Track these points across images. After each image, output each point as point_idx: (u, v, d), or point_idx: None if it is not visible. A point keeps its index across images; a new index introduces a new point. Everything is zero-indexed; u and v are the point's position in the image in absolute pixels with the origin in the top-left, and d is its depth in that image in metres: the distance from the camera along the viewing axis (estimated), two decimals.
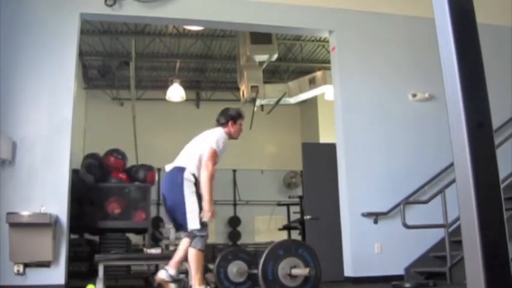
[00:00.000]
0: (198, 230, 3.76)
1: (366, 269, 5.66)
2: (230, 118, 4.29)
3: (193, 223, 3.76)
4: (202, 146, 4.04)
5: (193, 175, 3.92)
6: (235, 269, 4.54)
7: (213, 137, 4.07)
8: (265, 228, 12.08)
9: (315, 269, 3.43)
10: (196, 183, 3.91)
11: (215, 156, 3.99)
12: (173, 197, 3.91)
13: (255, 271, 4.14)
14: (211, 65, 11.33)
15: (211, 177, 3.96)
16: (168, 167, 4.07)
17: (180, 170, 3.92)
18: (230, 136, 4.28)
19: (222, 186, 12.17)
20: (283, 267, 3.39)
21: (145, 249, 5.39)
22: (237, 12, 6.19)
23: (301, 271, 3.36)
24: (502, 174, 1.93)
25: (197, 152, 4.02)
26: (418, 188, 5.89)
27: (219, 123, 4.29)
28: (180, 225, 3.96)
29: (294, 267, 3.40)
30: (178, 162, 4.04)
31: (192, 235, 3.81)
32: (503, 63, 6.20)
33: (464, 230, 0.88)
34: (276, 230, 9.24)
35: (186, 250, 3.86)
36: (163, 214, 11.50)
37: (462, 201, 0.88)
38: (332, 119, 6.36)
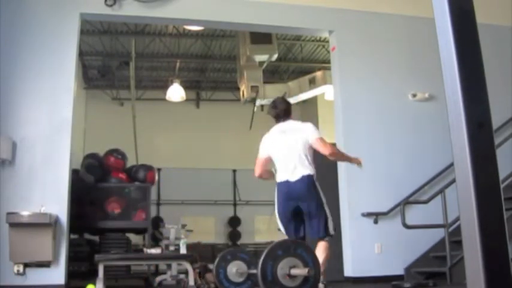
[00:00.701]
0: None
1: (366, 269, 5.66)
2: (290, 106, 4.45)
3: (331, 228, 3.94)
4: (299, 146, 4.04)
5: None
6: (235, 269, 4.53)
7: (309, 128, 4.14)
8: (265, 228, 12.08)
9: (314, 268, 3.42)
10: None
11: (325, 142, 4.10)
12: (312, 205, 3.94)
13: (254, 271, 4.14)
14: (211, 65, 11.33)
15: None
16: (293, 177, 4.00)
17: (309, 177, 3.98)
18: None
19: (222, 186, 12.20)
20: (282, 268, 3.38)
21: (145, 249, 5.39)
22: (237, 12, 6.19)
23: (301, 271, 3.36)
24: (502, 174, 1.93)
25: (302, 155, 4.02)
26: (418, 188, 5.89)
27: (288, 114, 4.35)
28: (314, 231, 3.96)
29: (293, 267, 3.40)
30: (300, 171, 4.00)
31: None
32: (503, 63, 6.19)
33: (464, 230, 0.88)
34: (276, 230, 9.23)
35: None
36: (160, 215, 11.50)
37: (462, 201, 0.88)
38: (332, 119, 6.36)
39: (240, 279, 4.55)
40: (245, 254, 4.74)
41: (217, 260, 4.58)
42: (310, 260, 3.46)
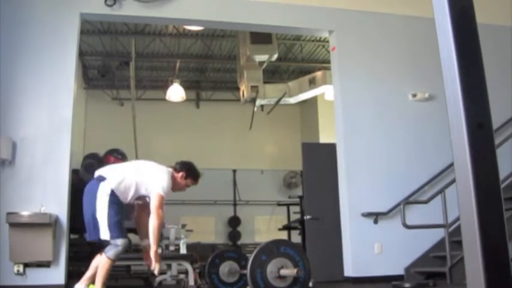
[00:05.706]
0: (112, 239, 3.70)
1: (366, 269, 5.65)
2: (186, 170, 4.19)
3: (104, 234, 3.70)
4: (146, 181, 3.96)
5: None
6: (227, 270, 4.54)
7: (159, 181, 3.95)
8: (265, 228, 12.08)
9: (303, 263, 3.42)
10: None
11: (162, 201, 3.90)
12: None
13: (245, 271, 4.15)
14: (211, 65, 11.32)
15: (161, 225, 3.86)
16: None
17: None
18: (173, 184, 4.12)
19: (222, 186, 12.19)
20: (271, 271, 3.37)
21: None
22: (237, 12, 6.19)
23: (289, 272, 3.35)
24: (502, 174, 1.93)
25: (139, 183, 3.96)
26: (418, 188, 5.89)
27: (174, 167, 4.18)
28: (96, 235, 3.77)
29: (282, 267, 3.39)
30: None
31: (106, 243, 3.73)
32: (503, 63, 6.19)
33: (464, 230, 0.88)
34: (276, 230, 9.23)
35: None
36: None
37: (462, 201, 0.88)
38: (332, 119, 6.36)
39: (234, 279, 4.56)
40: (232, 252, 4.76)
41: (207, 266, 4.58)
42: (296, 254, 3.45)
